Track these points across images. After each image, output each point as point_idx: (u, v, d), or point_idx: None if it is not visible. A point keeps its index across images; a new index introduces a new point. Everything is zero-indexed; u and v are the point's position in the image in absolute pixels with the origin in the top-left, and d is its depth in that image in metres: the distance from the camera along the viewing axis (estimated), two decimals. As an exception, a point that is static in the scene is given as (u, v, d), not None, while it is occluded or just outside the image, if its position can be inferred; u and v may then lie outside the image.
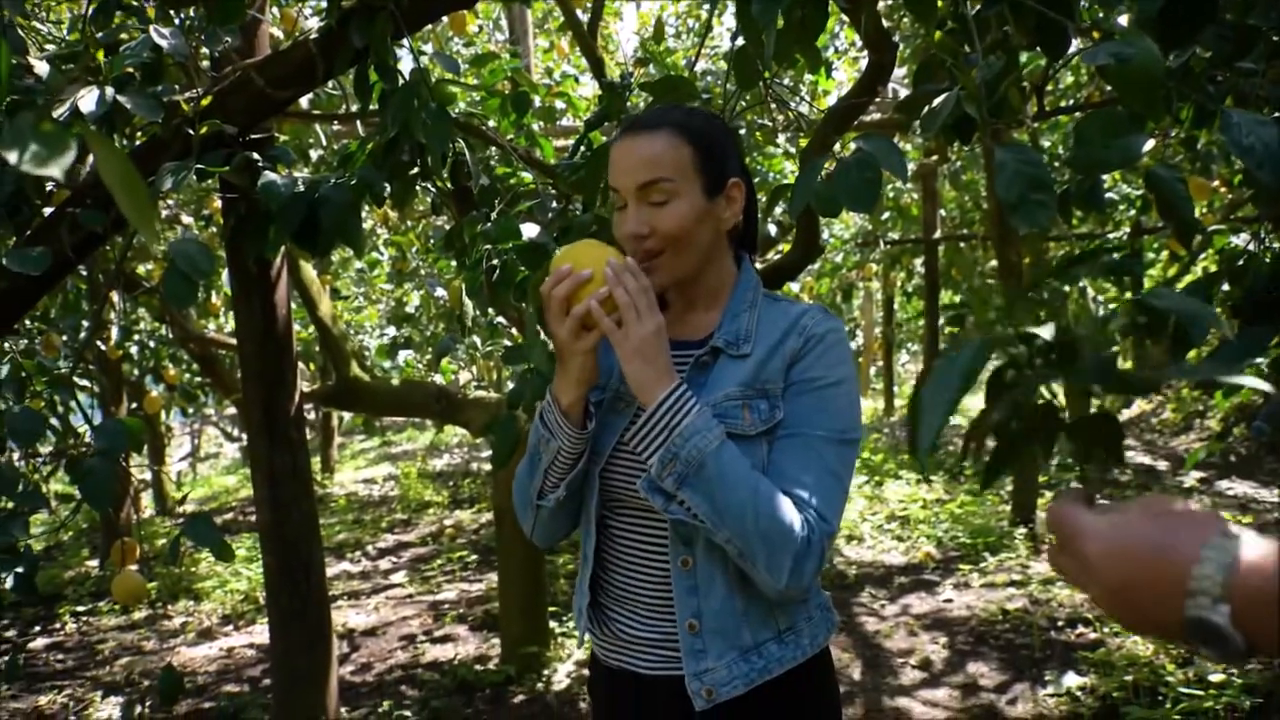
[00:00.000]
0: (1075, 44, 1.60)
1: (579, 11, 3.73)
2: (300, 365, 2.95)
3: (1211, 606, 0.62)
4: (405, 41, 2.18)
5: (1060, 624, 4.24)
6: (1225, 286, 1.84)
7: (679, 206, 1.25)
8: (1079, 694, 3.48)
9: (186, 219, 5.33)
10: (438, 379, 5.96)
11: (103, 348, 5.68)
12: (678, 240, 1.26)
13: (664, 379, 1.19)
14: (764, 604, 1.27)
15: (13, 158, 0.55)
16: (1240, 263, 1.90)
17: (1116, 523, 0.71)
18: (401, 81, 2.18)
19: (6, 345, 3.00)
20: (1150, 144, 1.05)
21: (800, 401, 1.25)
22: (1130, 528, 0.69)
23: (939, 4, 1.70)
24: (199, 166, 2.08)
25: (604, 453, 1.32)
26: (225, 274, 5.31)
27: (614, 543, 1.35)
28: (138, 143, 2.33)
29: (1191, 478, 7.30)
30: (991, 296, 0.86)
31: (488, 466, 10.25)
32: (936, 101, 1.30)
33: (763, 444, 1.24)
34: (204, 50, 2.41)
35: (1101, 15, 2.04)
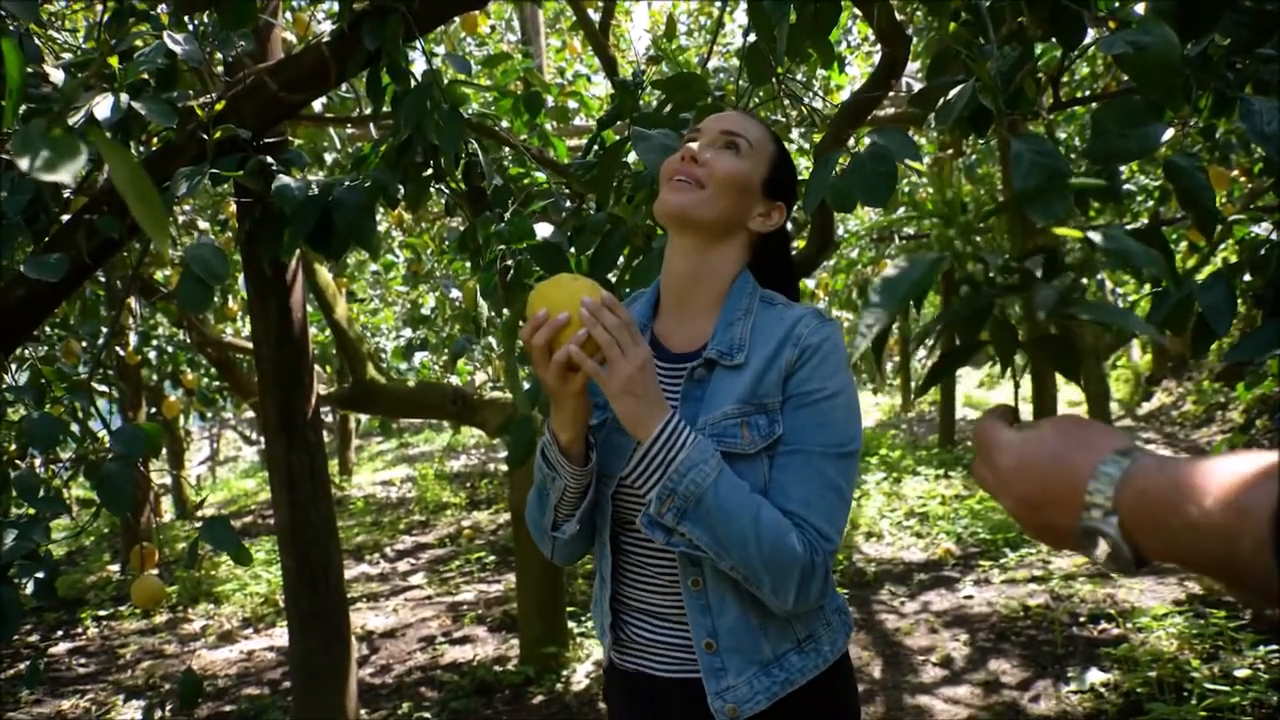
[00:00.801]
0: (1090, 33, 1.58)
1: (590, 11, 3.72)
2: (316, 368, 2.96)
3: (1103, 519, 0.67)
4: (418, 43, 2.18)
5: (1082, 620, 4.21)
6: (1246, 276, 1.82)
7: (742, 162, 1.30)
8: (1102, 690, 3.45)
9: (202, 224, 5.36)
10: (454, 380, 5.98)
11: (121, 353, 5.72)
12: (722, 185, 1.28)
13: (656, 413, 1.16)
14: (781, 615, 1.25)
15: (24, 164, 0.54)
16: (1261, 252, 1.88)
17: (1028, 438, 0.75)
18: (414, 83, 2.19)
19: (26, 352, 3.03)
20: (1170, 133, 1.04)
21: (799, 416, 1.23)
22: (1038, 444, 0.74)
23: (952, -4, 1.68)
24: (214, 171, 2.09)
25: (614, 476, 1.30)
26: (241, 278, 5.34)
27: (628, 560, 1.33)
28: (153, 148, 2.34)
29: (1213, 471, 7.23)
30: (958, 214, 0.86)
31: (504, 467, 10.27)
32: (952, 94, 1.29)
33: (763, 460, 1.22)
34: (217, 55, 2.42)
35: (1118, 4, 2.01)
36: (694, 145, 1.30)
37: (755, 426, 1.22)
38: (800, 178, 1.45)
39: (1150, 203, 7.68)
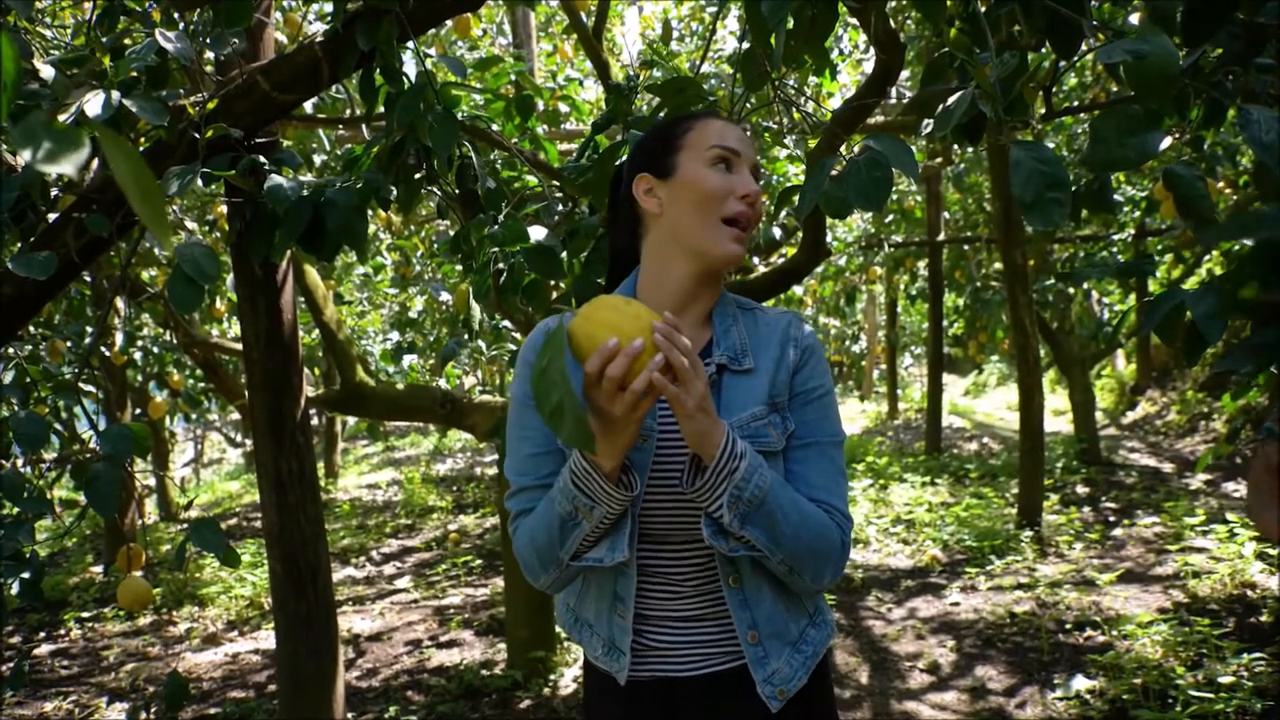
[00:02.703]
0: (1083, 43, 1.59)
1: (583, 15, 3.72)
2: (304, 370, 2.94)
3: None
4: (411, 44, 2.17)
5: (1068, 627, 4.22)
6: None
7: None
8: (1088, 697, 3.46)
9: (190, 224, 5.33)
10: (442, 383, 5.96)
11: (107, 353, 5.68)
12: (758, 223, 1.34)
13: (718, 428, 1.17)
14: (795, 595, 1.33)
15: (26, 156, 0.54)
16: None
17: None
18: (407, 84, 2.18)
19: (11, 351, 3.00)
20: (1167, 142, 1.04)
21: (807, 412, 1.31)
22: None
23: (948, 3, 1.69)
24: (205, 170, 2.07)
25: (639, 493, 1.27)
26: (229, 279, 5.31)
27: (649, 576, 1.32)
28: (143, 147, 2.32)
29: (1198, 479, 7.28)
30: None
31: (492, 471, 10.24)
32: (951, 100, 1.29)
33: (781, 455, 1.29)
34: (209, 54, 2.41)
35: (1109, 15, 2.03)
36: (751, 184, 1.31)
37: (776, 425, 1.29)
38: (791, 185, 1.47)
39: (1136, 213, 7.74)
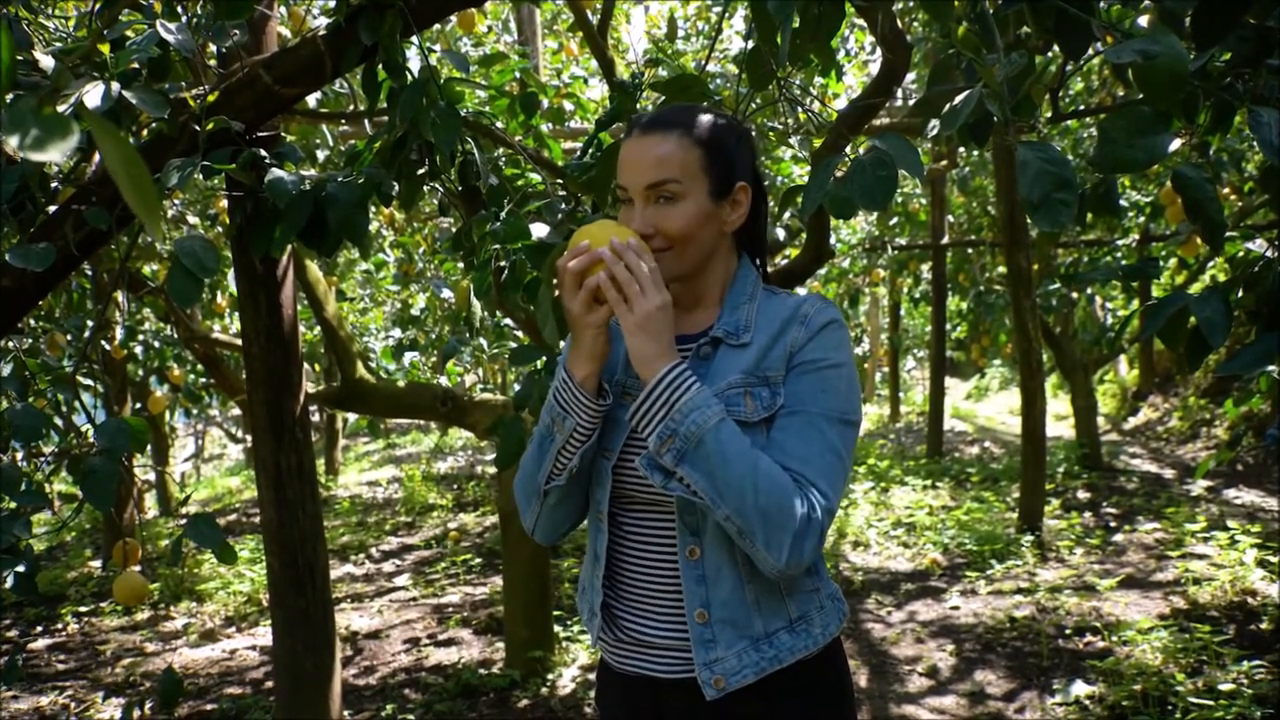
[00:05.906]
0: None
1: (589, 12, 3.71)
2: (305, 366, 2.93)
3: None
4: (414, 39, 2.16)
5: (1068, 632, 4.21)
6: (1239, 293, 1.82)
7: (684, 208, 1.26)
8: (1087, 703, 3.44)
9: (192, 219, 5.32)
10: (443, 381, 5.95)
11: (107, 347, 5.67)
12: (681, 241, 1.27)
13: (666, 355, 1.20)
14: (776, 593, 1.28)
15: (14, 142, 0.52)
16: (1255, 269, 1.88)
17: None
18: (410, 80, 2.16)
19: (10, 344, 2.99)
20: (1177, 143, 1.03)
21: (802, 381, 1.26)
22: None
23: (955, 3, 1.67)
24: (205, 163, 2.06)
25: (616, 449, 1.32)
26: (231, 274, 5.30)
27: (626, 540, 1.34)
28: (143, 139, 2.31)
29: (1199, 486, 7.26)
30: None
31: (492, 469, 10.22)
32: (958, 99, 1.28)
33: (763, 431, 1.25)
34: (210, 47, 2.40)
35: (1118, 16, 2.01)
36: (635, 223, 1.27)
37: (758, 397, 1.25)
38: (795, 185, 1.44)
39: (1141, 219, 7.73)
